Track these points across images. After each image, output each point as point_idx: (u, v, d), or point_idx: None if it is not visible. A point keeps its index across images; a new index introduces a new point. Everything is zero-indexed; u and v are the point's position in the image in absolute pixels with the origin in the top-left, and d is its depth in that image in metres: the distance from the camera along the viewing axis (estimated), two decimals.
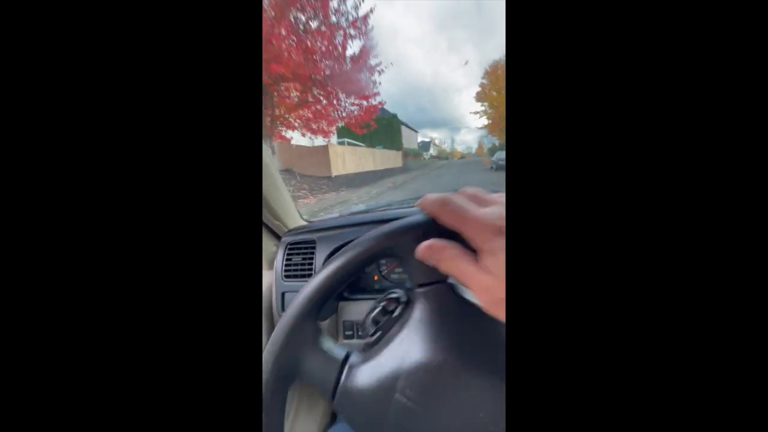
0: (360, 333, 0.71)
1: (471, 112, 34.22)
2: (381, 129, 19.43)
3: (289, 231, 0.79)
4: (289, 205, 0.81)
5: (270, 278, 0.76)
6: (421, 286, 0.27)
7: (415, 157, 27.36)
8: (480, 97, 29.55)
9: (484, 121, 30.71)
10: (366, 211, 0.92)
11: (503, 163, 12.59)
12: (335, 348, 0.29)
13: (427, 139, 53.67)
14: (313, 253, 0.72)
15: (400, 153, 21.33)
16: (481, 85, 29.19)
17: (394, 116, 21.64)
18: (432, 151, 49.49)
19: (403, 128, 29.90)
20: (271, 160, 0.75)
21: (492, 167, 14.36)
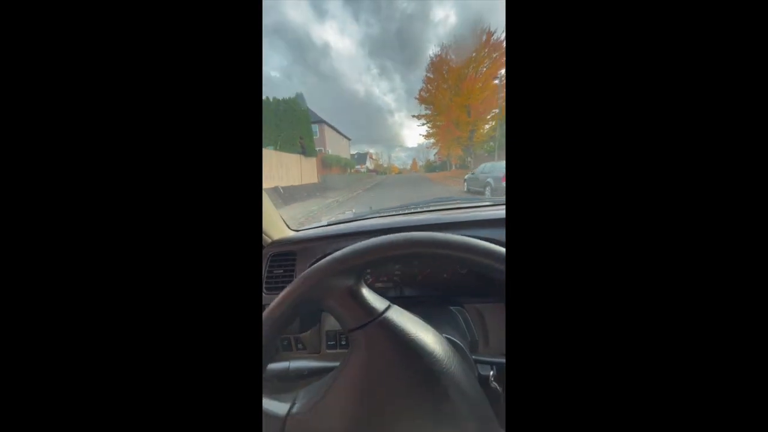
0: (343, 343, 0.68)
1: (413, 116, 27.54)
2: (275, 116, 10.83)
3: (273, 243, 0.79)
4: (273, 215, 0.80)
5: None
6: (351, 330, 0.28)
7: (344, 169, 19.34)
8: (423, 98, 23.59)
9: (428, 129, 24.81)
10: (354, 219, 0.90)
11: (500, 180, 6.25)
12: (274, 404, 0.29)
13: (363, 152, 47.59)
14: (293, 265, 0.73)
15: (314, 161, 13.33)
16: (426, 80, 23.15)
17: (300, 96, 13.32)
18: (369, 165, 43.47)
19: (328, 129, 22.14)
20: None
21: (470, 189, 7.85)
